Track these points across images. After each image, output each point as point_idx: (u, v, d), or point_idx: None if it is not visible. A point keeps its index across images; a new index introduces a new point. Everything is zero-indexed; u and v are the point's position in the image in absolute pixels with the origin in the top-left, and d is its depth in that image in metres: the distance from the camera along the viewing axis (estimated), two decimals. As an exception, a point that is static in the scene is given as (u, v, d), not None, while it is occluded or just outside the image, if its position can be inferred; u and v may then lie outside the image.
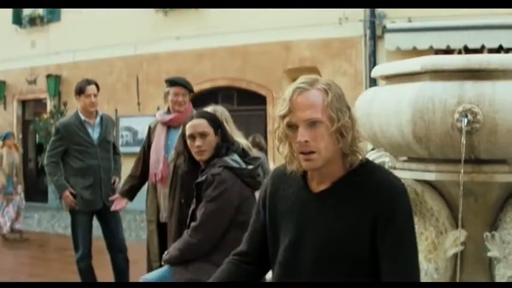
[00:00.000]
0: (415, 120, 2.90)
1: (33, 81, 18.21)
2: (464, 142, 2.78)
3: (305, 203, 2.39)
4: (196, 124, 4.06)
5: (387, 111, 3.05)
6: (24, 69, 18.18)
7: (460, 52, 11.16)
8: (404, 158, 3.37)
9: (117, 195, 6.10)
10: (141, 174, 5.89)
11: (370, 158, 3.03)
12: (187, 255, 3.94)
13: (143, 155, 5.90)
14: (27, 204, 16.96)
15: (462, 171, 2.81)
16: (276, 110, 2.35)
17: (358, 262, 2.26)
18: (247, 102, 14.72)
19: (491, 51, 10.43)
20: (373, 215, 2.23)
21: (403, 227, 2.25)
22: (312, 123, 2.25)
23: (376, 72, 3.35)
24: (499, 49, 10.66)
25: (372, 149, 3.37)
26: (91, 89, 6.54)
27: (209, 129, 4.06)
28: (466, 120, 2.79)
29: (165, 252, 4.18)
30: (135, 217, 14.19)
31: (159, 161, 5.64)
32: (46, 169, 6.59)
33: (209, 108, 5.25)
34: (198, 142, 4.02)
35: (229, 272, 2.60)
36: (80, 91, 6.55)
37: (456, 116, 2.83)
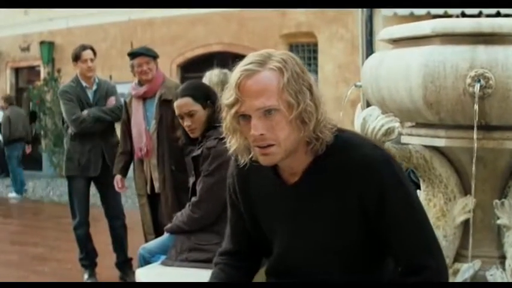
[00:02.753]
0: (425, 85, 2.82)
1: (26, 48, 18.05)
2: (477, 108, 2.70)
3: (281, 198, 2.15)
4: (181, 104, 3.95)
5: (396, 76, 2.97)
6: (17, 36, 18.00)
7: (457, 17, 11.04)
8: (412, 123, 3.30)
9: (117, 176, 6.15)
10: (132, 148, 5.97)
11: (379, 123, 2.96)
12: (190, 228, 3.90)
13: (127, 129, 5.96)
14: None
15: (475, 137, 2.74)
16: (222, 97, 2.07)
17: (354, 248, 2.08)
18: (243, 67, 14.58)
19: (489, 17, 10.29)
20: (358, 196, 2.02)
21: (399, 198, 2.03)
22: (267, 112, 1.97)
23: (383, 35, 3.27)
24: (497, 16, 10.53)
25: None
26: (87, 54, 6.46)
27: (196, 107, 3.94)
28: (478, 85, 2.71)
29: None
30: (130, 184, 14.14)
31: (141, 135, 5.77)
32: (83, 129, 6.40)
33: (207, 73, 5.19)
34: (186, 122, 3.94)
35: (228, 275, 2.34)
36: (76, 57, 6.47)
37: (468, 80, 2.76)
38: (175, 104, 4.00)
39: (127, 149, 5.99)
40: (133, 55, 5.90)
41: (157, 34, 15.48)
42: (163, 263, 3.86)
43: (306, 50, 13.84)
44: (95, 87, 6.52)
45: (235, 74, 2.01)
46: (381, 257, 2.14)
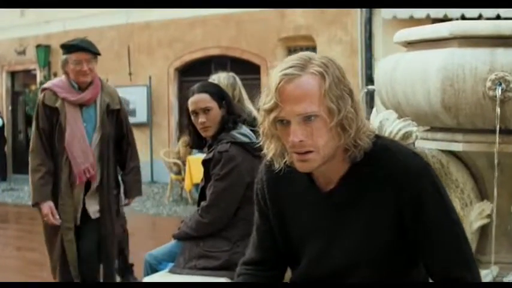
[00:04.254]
0: (444, 88, 2.77)
1: (22, 52, 17.93)
2: (498, 111, 2.65)
3: (315, 206, 2.08)
4: (198, 100, 3.85)
5: (413, 79, 2.92)
6: (13, 39, 17.89)
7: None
8: (427, 127, 3.25)
9: (46, 205, 4.70)
10: (56, 167, 4.76)
11: (397, 128, 2.90)
12: (198, 233, 3.81)
13: (50, 142, 4.72)
14: (17, 176, 16.88)
15: (497, 141, 2.68)
16: (260, 101, 1.97)
17: (387, 257, 2.00)
18: (241, 71, 14.41)
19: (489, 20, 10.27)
20: (396, 205, 1.95)
21: (436, 208, 1.95)
22: (307, 118, 1.89)
23: (399, 37, 3.21)
24: (497, 19, 10.50)
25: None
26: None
27: (212, 104, 3.83)
28: (500, 88, 2.66)
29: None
30: (159, 190, 14.14)
31: (86, 153, 4.69)
32: None
33: (214, 76, 5.05)
34: (201, 118, 3.83)
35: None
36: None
37: (488, 84, 2.71)
38: (191, 100, 3.89)
39: (51, 168, 4.73)
40: (69, 49, 4.72)
41: (155, 37, 15.43)
42: (171, 271, 3.77)
43: (305, 53, 13.76)
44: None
45: (274, 78, 1.92)
46: (413, 267, 2.08)
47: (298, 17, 13.46)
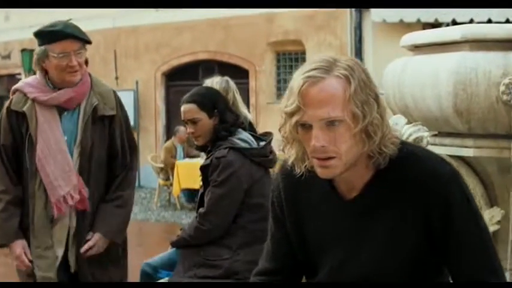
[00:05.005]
0: (456, 93, 2.71)
1: (7, 56, 17.79)
2: (514, 116, 2.59)
3: (337, 214, 1.99)
4: (186, 110, 3.74)
5: (422, 83, 2.86)
6: (-2, 43, 17.76)
7: (448, 26, 11.00)
8: (435, 132, 3.18)
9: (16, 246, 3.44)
10: (25, 192, 3.50)
11: (407, 132, 2.83)
12: (197, 241, 3.72)
13: (12, 159, 3.49)
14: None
15: (513, 146, 2.63)
16: (281, 103, 1.89)
17: (413, 265, 1.93)
18: (229, 75, 14.18)
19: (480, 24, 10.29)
20: (423, 212, 1.87)
21: (465, 216, 1.88)
22: (330, 123, 1.81)
23: (406, 41, 3.15)
24: (488, 23, 10.52)
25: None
26: None
27: (200, 115, 3.71)
28: (515, 92, 2.60)
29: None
30: (146, 195, 14.08)
31: (66, 172, 3.40)
32: None
33: (208, 81, 4.92)
34: (189, 129, 3.74)
35: None
36: None
37: (502, 88, 2.65)
38: (181, 109, 3.82)
39: (17, 196, 3.47)
40: (52, 36, 3.35)
41: (142, 41, 15.31)
42: (171, 280, 3.68)
43: (294, 58, 13.72)
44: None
45: (297, 80, 1.83)
46: (438, 275, 2.01)
47: (287, 22, 13.41)
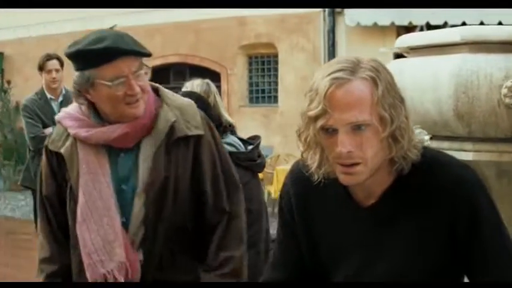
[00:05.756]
0: (457, 96, 2.66)
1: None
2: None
3: (353, 222, 1.89)
4: None
5: (421, 86, 2.80)
6: (-35, 46, 17.42)
7: (422, 29, 11.02)
8: (430, 135, 3.13)
9: None
10: (66, 256, 2.62)
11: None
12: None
13: (57, 216, 2.62)
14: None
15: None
16: (304, 105, 1.76)
17: (433, 274, 1.85)
18: (201, 78, 14.38)
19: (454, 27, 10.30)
20: (447, 219, 1.79)
21: (491, 222, 1.80)
22: (357, 127, 1.72)
23: (402, 42, 3.09)
24: (463, 25, 10.56)
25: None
26: (51, 64, 6.18)
27: None
28: (517, 95, 2.56)
29: None
30: None
31: (110, 241, 2.46)
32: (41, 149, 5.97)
33: (188, 84, 4.81)
34: None
35: None
36: (40, 67, 6.17)
37: (504, 91, 2.61)
38: None
39: (64, 261, 2.62)
40: (100, 55, 2.34)
41: (112, 45, 15.14)
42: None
43: (266, 62, 13.66)
44: (60, 98, 6.21)
45: (322, 82, 1.72)
46: (458, 282, 1.93)
47: (259, 25, 13.33)
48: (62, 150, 2.51)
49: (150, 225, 2.47)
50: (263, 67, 13.64)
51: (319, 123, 1.73)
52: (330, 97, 1.70)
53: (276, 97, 13.25)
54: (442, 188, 1.80)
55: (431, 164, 1.83)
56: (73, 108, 2.57)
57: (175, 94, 2.65)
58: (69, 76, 3.05)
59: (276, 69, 13.44)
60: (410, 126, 1.78)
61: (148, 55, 2.44)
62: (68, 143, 2.51)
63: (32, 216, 11.75)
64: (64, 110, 2.65)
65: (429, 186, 1.81)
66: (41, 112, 6.09)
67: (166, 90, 2.62)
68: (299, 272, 2.05)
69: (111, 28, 2.55)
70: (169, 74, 14.85)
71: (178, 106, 2.54)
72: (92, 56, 2.35)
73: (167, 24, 14.16)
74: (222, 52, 13.75)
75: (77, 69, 2.41)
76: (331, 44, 12.33)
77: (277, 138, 12.10)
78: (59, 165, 2.55)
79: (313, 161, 1.84)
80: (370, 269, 1.89)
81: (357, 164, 1.75)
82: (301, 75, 12.69)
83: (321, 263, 2.00)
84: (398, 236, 1.85)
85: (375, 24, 11.41)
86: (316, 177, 1.87)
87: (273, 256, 2.13)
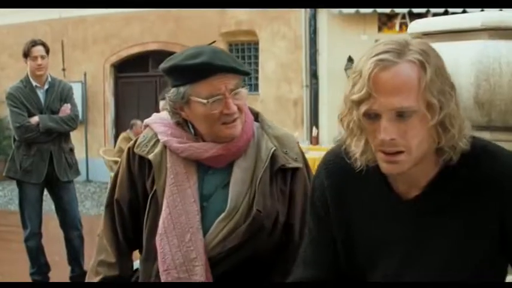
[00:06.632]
0: (478, 83, 2.58)
1: None
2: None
3: (395, 215, 1.79)
4: (161, 108, 3.58)
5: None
6: None
7: (404, 17, 11.00)
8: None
9: None
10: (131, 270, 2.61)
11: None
12: None
13: (124, 221, 2.52)
14: None
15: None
16: (346, 88, 1.69)
17: (479, 270, 1.76)
18: (181, 67, 14.24)
19: (436, 15, 10.28)
20: (498, 212, 1.70)
21: None
22: (402, 113, 1.62)
23: (415, 28, 3.00)
24: (445, 14, 10.52)
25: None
26: (37, 50, 5.96)
27: None
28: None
29: None
30: (96, 189, 13.71)
31: (191, 259, 2.34)
32: (27, 139, 5.86)
33: None
34: None
35: None
36: (25, 54, 5.97)
37: (526, 78, 2.54)
38: (160, 105, 3.63)
39: (125, 271, 2.55)
40: (195, 71, 2.26)
41: (90, 32, 14.97)
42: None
43: (247, 49, 13.58)
44: (46, 86, 6.03)
45: (367, 63, 1.62)
46: (497, 277, 1.85)
47: (240, 12, 13.23)
48: (151, 157, 2.41)
49: (225, 250, 2.34)
50: (243, 54, 13.56)
51: (363, 107, 1.64)
52: (374, 80, 1.61)
53: (256, 85, 13.17)
54: (491, 178, 1.71)
55: (481, 155, 1.74)
56: (167, 113, 2.46)
57: (273, 123, 2.53)
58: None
59: (256, 57, 13.37)
60: (461, 115, 1.69)
61: (247, 74, 2.38)
62: (157, 150, 2.42)
63: (10, 207, 11.72)
64: (156, 114, 2.59)
65: (477, 177, 1.72)
66: (27, 100, 5.91)
67: (264, 117, 2.52)
68: (333, 271, 1.94)
69: (209, 44, 2.43)
70: (148, 62, 14.70)
71: (277, 135, 2.45)
72: (186, 71, 2.27)
73: (146, 11, 13.99)
74: (202, 39, 13.43)
75: (172, 85, 2.34)
76: (312, 31, 12.28)
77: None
78: (141, 171, 2.45)
79: (357, 148, 1.74)
80: (411, 266, 1.79)
81: (400, 152, 1.66)
82: (282, 63, 12.62)
83: (357, 260, 1.89)
84: (443, 230, 1.75)
85: (357, 11, 11.35)
86: (359, 164, 1.77)
87: (304, 254, 2.00)
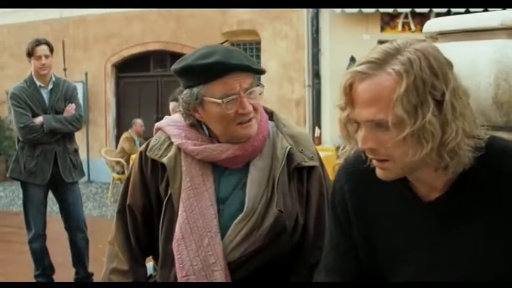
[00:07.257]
0: (498, 83, 2.53)
1: None
2: None
3: (416, 218, 1.77)
4: (174, 108, 3.58)
5: (459, 73, 2.67)
6: None
7: (406, 16, 10.96)
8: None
9: None
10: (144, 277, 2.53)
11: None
12: None
13: (137, 228, 2.48)
14: None
15: None
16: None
17: (504, 276, 1.71)
18: (182, 67, 14.19)
19: (439, 15, 10.25)
20: None
21: None
22: (379, 124, 1.61)
23: (431, 27, 2.95)
24: (447, 14, 10.48)
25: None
26: (41, 50, 5.93)
27: None
28: None
29: None
30: (97, 190, 13.61)
31: (209, 264, 2.29)
32: (32, 140, 5.83)
33: None
34: None
35: None
36: (29, 53, 5.94)
37: (547, 78, 2.49)
38: (170, 106, 3.63)
39: (139, 277, 2.46)
40: (208, 71, 2.21)
41: (91, 32, 14.93)
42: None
43: (249, 49, 13.53)
44: (50, 86, 6.00)
45: (346, 74, 1.64)
46: None
47: (242, 12, 13.19)
48: (165, 160, 2.36)
49: (246, 254, 2.29)
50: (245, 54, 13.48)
51: (344, 114, 1.67)
52: (351, 91, 1.63)
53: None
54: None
55: (501, 155, 1.71)
56: (180, 116, 2.43)
57: (288, 122, 2.50)
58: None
59: (258, 57, 13.32)
60: (451, 127, 1.62)
61: (262, 72, 2.32)
62: (171, 153, 2.37)
63: (12, 208, 11.67)
64: (168, 117, 2.55)
65: (499, 178, 1.68)
66: (30, 100, 5.88)
67: (280, 116, 2.49)
68: (355, 277, 1.91)
69: (222, 43, 2.40)
70: (149, 62, 14.66)
71: (292, 134, 2.42)
72: (199, 71, 2.22)
73: (147, 11, 13.95)
74: (204, 39, 13.50)
75: (185, 87, 2.29)
76: (314, 31, 12.24)
77: (261, 126, 11.97)
78: (154, 175, 2.40)
79: (345, 151, 1.79)
80: (435, 269, 1.76)
81: (385, 160, 1.66)
82: (284, 63, 12.58)
83: (377, 265, 1.86)
84: (465, 233, 1.72)
85: (360, 11, 11.30)
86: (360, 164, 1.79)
87: (326, 260, 1.97)
